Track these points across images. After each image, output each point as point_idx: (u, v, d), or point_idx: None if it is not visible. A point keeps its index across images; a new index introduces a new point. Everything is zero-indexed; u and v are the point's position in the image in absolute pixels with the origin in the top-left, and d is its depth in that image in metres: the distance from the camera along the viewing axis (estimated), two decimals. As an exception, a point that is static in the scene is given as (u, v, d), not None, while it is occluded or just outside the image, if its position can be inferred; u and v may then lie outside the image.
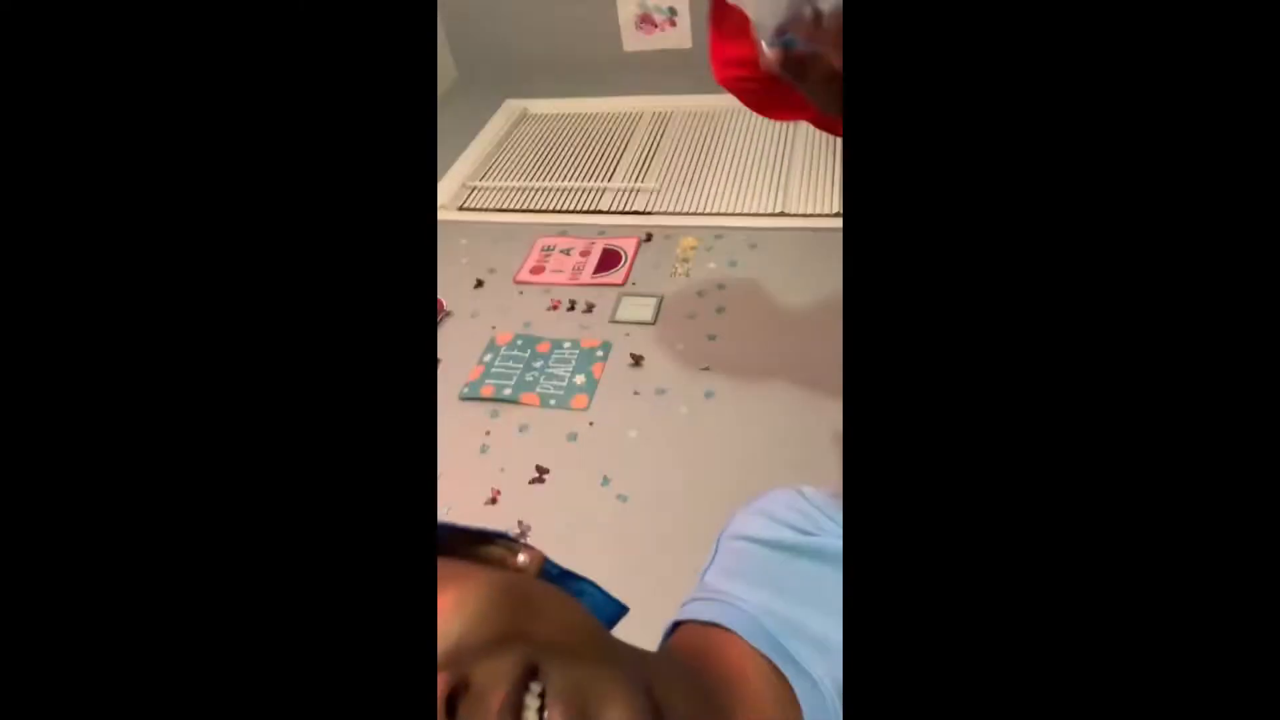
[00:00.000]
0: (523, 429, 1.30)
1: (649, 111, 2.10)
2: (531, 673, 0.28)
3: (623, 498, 1.18)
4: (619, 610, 0.41)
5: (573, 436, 1.28)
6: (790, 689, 0.37)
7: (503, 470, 1.24)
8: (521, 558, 0.37)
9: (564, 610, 0.32)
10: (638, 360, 1.39)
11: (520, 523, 1.16)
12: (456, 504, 1.20)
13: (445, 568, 0.32)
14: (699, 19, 2.09)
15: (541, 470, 1.23)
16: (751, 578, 0.42)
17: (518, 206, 1.83)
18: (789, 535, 0.43)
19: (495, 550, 0.38)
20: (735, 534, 0.46)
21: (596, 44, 2.21)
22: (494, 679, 0.27)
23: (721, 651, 0.39)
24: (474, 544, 0.37)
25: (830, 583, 0.40)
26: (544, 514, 1.17)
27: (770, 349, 1.38)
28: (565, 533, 1.15)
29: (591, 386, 1.35)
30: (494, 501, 1.20)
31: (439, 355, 1.45)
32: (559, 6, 2.18)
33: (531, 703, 0.28)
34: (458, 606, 0.29)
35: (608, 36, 2.19)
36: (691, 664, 0.39)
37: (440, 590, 0.30)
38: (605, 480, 1.21)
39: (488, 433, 1.30)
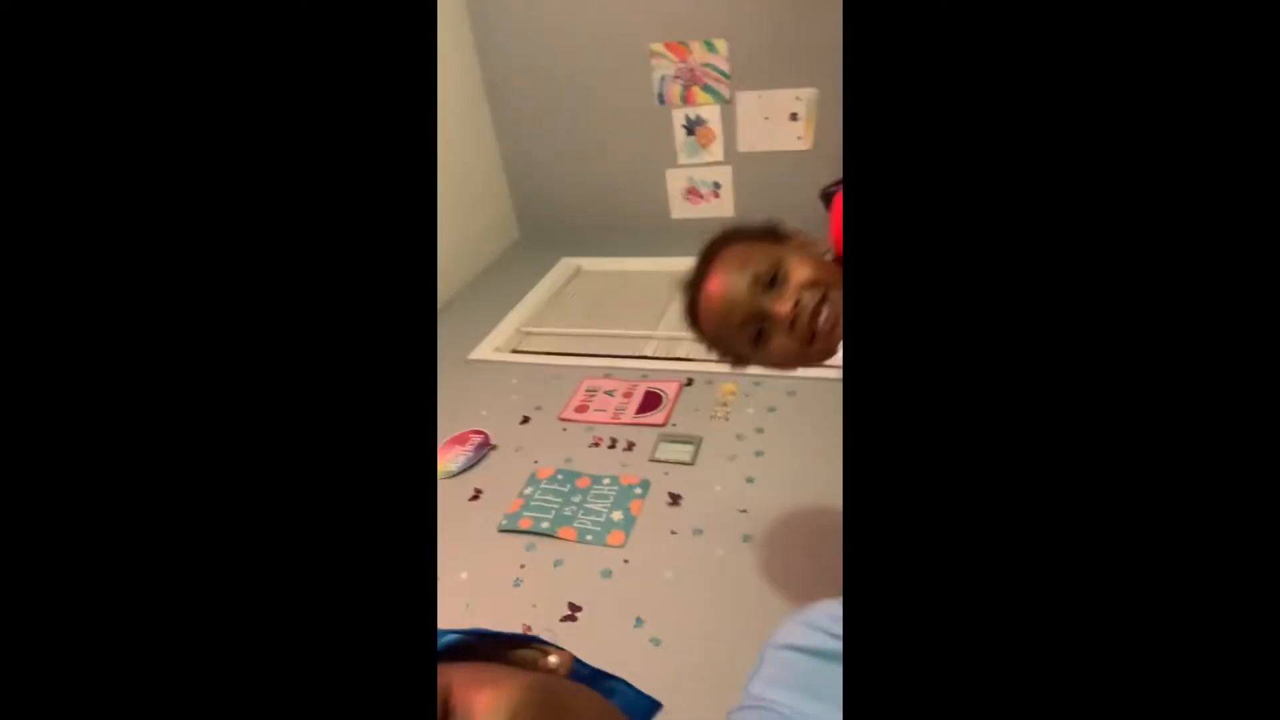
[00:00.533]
0: (557, 564, 1.29)
1: (693, 270, 2.25)
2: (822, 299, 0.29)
3: (656, 641, 1.14)
4: (651, 706, 0.41)
5: (607, 573, 1.26)
6: None
7: (534, 606, 1.22)
8: (553, 659, 0.39)
9: (594, 707, 0.34)
10: (676, 499, 1.40)
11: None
12: (485, 639, 1.17)
13: (479, 671, 0.34)
14: (741, 191, 2.30)
15: (574, 608, 1.21)
16: (794, 685, 0.43)
17: (566, 350, 1.94)
18: (830, 643, 0.44)
19: (528, 653, 0.39)
20: (779, 643, 0.46)
21: (646, 212, 2.43)
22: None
23: None
24: (507, 648, 0.39)
25: None
26: (574, 653, 1.13)
27: (808, 494, 1.37)
28: (594, 675, 1.10)
29: (629, 523, 1.35)
30: (523, 638, 1.17)
31: (482, 487, 1.48)
32: (614, 178, 2.44)
33: None
34: (492, 708, 0.31)
35: (657, 205, 2.42)
36: None
37: (475, 692, 0.32)
38: (639, 622, 1.17)
39: (522, 566, 1.29)
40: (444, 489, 1.49)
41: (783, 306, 0.68)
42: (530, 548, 1.33)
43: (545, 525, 1.36)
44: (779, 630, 0.47)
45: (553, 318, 2.14)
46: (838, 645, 0.43)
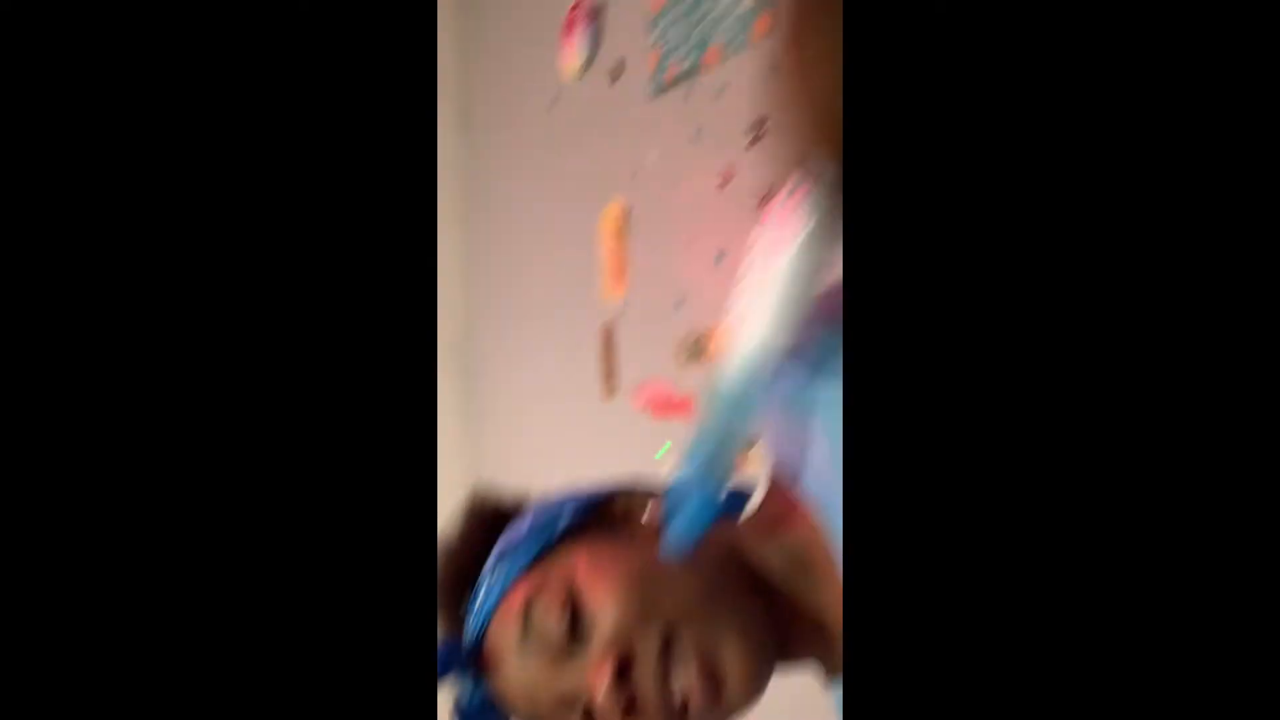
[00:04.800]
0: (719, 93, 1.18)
1: None
2: (668, 641, 0.38)
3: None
4: (737, 502, 0.44)
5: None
6: None
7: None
8: (645, 517, 0.43)
9: (685, 579, 0.40)
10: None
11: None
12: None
13: (588, 554, 0.41)
14: None
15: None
16: None
17: None
18: None
19: (618, 507, 0.44)
20: None
21: None
22: (647, 651, 0.38)
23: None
24: (596, 512, 0.44)
25: None
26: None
27: None
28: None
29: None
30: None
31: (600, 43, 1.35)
32: None
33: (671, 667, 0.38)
34: (609, 594, 0.39)
35: None
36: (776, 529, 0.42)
37: (589, 578, 0.40)
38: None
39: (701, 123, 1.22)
40: None
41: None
42: (687, 98, 1.22)
43: (688, 65, 1.21)
44: None
45: None
46: None
